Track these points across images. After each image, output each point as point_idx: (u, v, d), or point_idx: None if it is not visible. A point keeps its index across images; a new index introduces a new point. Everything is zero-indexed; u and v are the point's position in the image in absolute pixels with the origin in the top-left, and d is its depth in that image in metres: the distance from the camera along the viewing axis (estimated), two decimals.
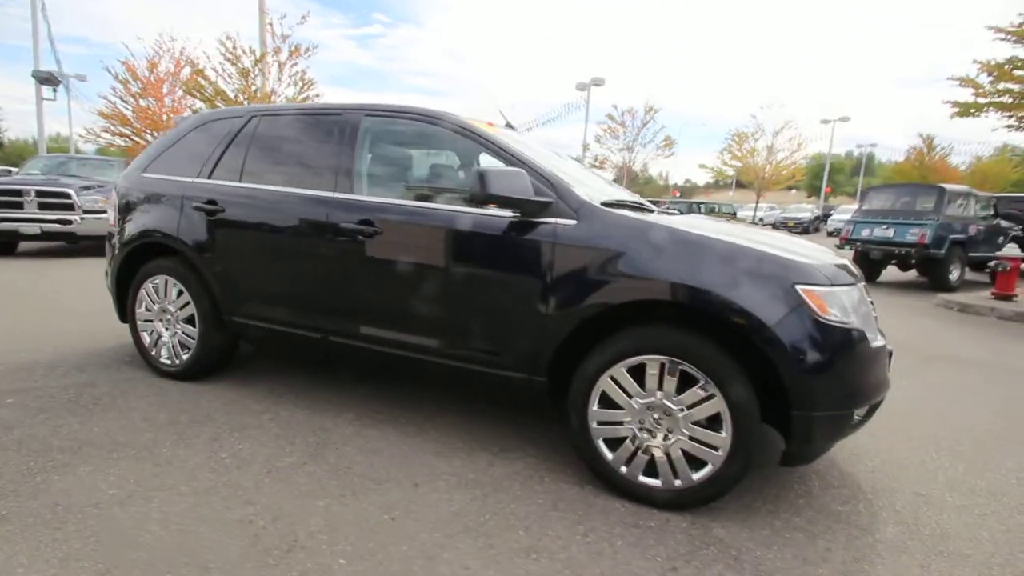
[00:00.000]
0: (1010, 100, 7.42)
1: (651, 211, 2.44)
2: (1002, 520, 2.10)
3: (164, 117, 13.77)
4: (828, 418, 1.86)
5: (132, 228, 3.08)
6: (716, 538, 1.88)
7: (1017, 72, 7.39)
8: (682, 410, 1.95)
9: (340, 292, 2.54)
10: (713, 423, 1.93)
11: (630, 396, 2.02)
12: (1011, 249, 6.90)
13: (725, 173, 30.35)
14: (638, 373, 2.01)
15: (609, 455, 2.08)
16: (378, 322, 2.48)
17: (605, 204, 2.17)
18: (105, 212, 8.71)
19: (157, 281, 3.03)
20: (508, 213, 2.21)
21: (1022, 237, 9.19)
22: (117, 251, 3.14)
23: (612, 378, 2.04)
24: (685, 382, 1.95)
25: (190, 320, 2.98)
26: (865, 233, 9.16)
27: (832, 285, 1.89)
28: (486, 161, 2.43)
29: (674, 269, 1.93)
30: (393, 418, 2.70)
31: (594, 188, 2.41)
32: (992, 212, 9.31)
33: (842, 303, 1.89)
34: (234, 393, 2.92)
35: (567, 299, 2.07)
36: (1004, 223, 9.42)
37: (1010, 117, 7.72)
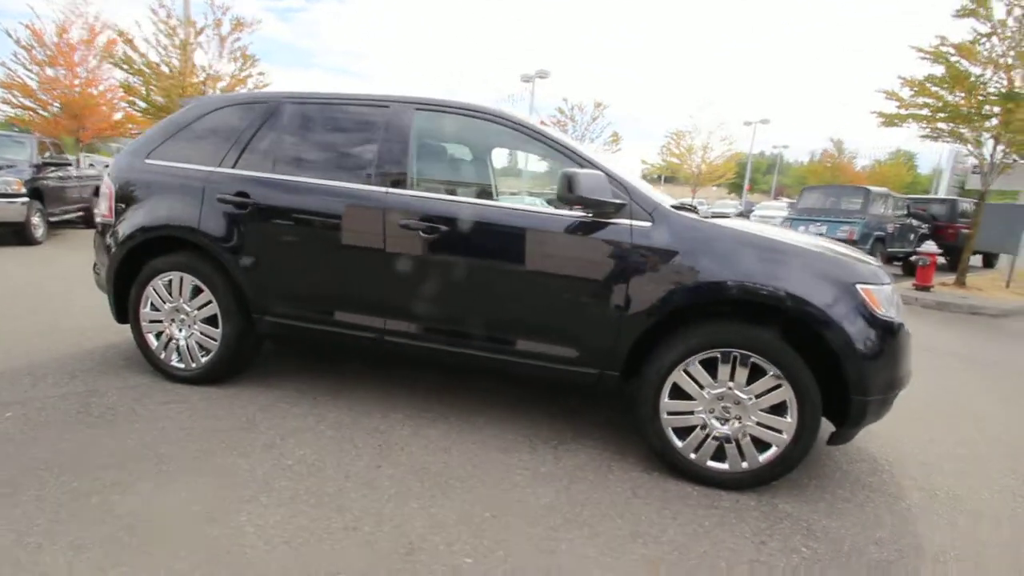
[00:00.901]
0: (928, 113, 8.38)
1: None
2: (995, 481, 2.47)
3: (77, 89, 12.28)
4: (878, 402, 2.10)
5: (137, 220, 2.80)
6: (785, 513, 2.08)
7: (933, 88, 8.35)
8: (751, 399, 2.13)
9: (400, 292, 2.47)
10: (778, 410, 2.12)
11: (702, 387, 2.17)
12: (929, 246, 7.87)
13: (661, 168, 31.73)
14: (709, 365, 2.16)
15: (679, 443, 2.22)
16: (442, 322, 2.46)
17: (673, 207, 2.29)
18: (21, 196, 7.76)
19: (170, 278, 2.79)
20: (578, 213, 2.28)
21: (929, 234, 10.46)
22: (116, 246, 2.85)
23: (685, 371, 2.17)
24: (754, 372, 2.12)
25: (211, 320, 2.77)
26: (801, 230, 10.03)
27: (881, 284, 2.13)
28: (543, 161, 2.47)
29: (750, 270, 2.09)
30: (443, 416, 2.68)
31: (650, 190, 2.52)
32: (906, 212, 10.52)
33: (888, 299, 2.13)
34: (265, 397, 2.77)
35: (647, 298, 2.17)
36: (915, 222, 10.69)
37: (926, 128, 8.72)
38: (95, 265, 3.17)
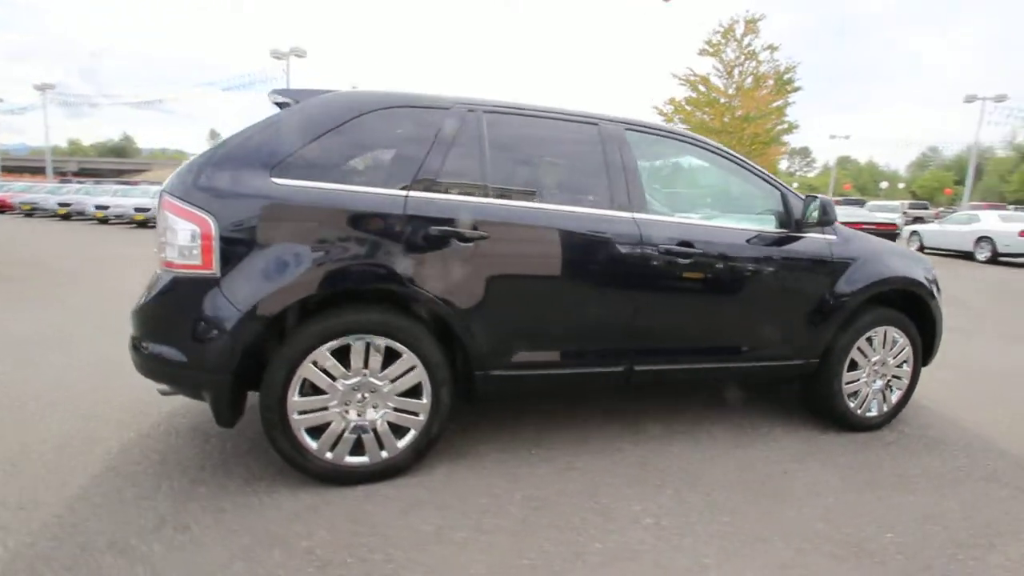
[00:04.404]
0: (687, 127, 11.19)
1: None
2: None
3: None
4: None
5: (289, 273, 1.90)
6: (914, 435, 2.95)
7: (688, 108, 11.18)
8: (893, 359, 2.93)
9: (655, 320, 2.41)
10: (902, 366, 2.98)
11: (867, 357, 2.87)
12: None
13: None
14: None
15: (851, 404, 2.89)
16: (692, 341, 2.51)
17: None
18: None
19: (342, 345, 2.00)
20: (774, 229, 2.67)
21: None
22: (243, 314, 1.86)
23: (859, 348, 2.84)
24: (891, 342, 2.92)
25: (412, 391, 2.12)
26: None
27: (934, 268, 3.19)
28: (741, 184, 2.75)
29: (898, 267, 2.86)
30: (656, 435, 2.72)
31: None
32: None
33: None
34: (495, 467, 2.30)
35: (843, 296, 2.71)
36: None
37: None
38: (138, 342, 1.97)
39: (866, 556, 1.85)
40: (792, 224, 2.66)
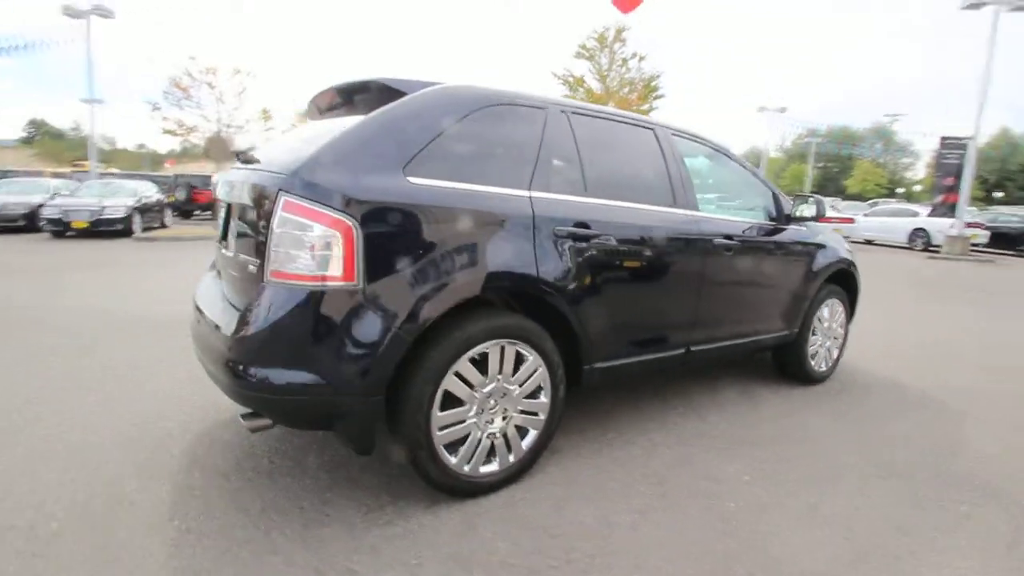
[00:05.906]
0: None
1: None
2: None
3: None
4: None
5: (440, 280, 1.77)
6: (853, 382, 3.78)
7: None
8: (834, 325, 3.71)
9: (707, 306, 2.71)
10: (840, 328, 3.78)
11: (822, 323, 3.59)
12: None
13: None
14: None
15: (812, 363, 3.58)
16: (727, 324, 2.89)
17: None
18: None
19: (479, 353, 1.93)
20: (769, 222, 3.20)
21: None
22: (397, 327, 1.69)
23: (818, 317, 3.53)
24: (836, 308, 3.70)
25: (533, 393, 2.12)
26: None
27: None
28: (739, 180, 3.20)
29: (843, 251, 3.59)
30: (693, 408, 3.08)
31: None
32: None
33: None
34: (584, 455, 2.39)
35: (815, 275, 3.36)
36: None
37: None
38: (240, 369, 1.66)
39: (899, 473, 2.41)
40: (782, 218, 3.21)
